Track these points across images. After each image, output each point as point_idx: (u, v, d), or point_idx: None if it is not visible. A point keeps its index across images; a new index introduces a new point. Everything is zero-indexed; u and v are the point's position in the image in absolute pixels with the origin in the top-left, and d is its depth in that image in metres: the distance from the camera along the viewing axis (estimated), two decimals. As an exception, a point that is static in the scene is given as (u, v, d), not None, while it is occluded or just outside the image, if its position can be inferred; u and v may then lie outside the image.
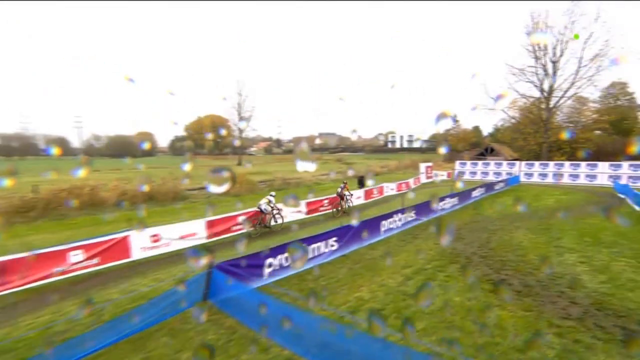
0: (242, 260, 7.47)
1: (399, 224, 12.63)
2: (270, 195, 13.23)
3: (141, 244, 9.56)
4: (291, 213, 15.13)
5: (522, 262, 9.06)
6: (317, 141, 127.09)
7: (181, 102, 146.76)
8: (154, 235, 9.87)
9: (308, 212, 16.10)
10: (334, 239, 9.90)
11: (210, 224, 11.78)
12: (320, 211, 16.74)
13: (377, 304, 6.86)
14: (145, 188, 19.06)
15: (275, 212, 13.17)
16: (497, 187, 22.87)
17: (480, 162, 37.73)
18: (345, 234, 10.21)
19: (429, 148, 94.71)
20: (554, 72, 41.31)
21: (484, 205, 17.45)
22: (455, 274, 8.34)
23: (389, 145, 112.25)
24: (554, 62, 41.27)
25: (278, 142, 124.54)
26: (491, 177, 34.07)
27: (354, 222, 10.36)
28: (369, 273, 8.71)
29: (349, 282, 8.12)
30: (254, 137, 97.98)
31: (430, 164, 33.84)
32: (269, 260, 7.87)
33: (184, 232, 10.84)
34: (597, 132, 44.80)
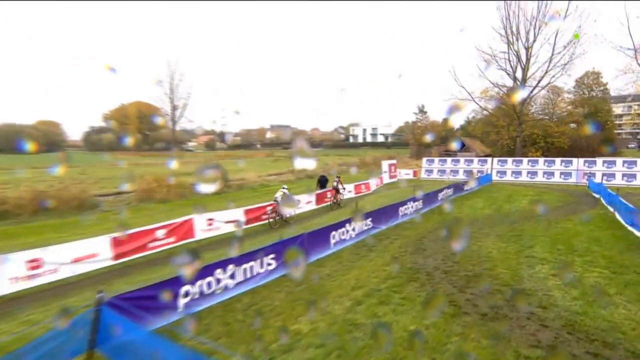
0: (146, 290, 6.76)
1: (353, 234, 12.40)
2: (284, 188, 16.49)
3: (11, 273, 8.42)
4: (225, 225, 14.49)
5: (489, 277, 9.11)
6: (269, 135, 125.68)
7: (101, 84, 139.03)
8: (33, 261, 8.77)
9: (247, 222, 15.64)
10: (271, 256, 9.41)
11: (118, 242, 10.81)
12: (263, 220, 16.39)
13: (316, 339, 6.46)
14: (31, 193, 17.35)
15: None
16: (466, 187, 23.55)
17: (449, 159, 38.96)
18: (284, 250, 9.74)
19: (396, 143, 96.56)
20: (527, 59, 43.73)
21: (452, 209, 17.79)
22: (413, 295, 8.17)
23: (351, 140, 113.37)
24: (527, 49, 43.68)
25: (222, 136, 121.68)
26: (461, 176, 35.36)
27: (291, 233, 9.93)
28: (312, 297, 8.32)
29: (287, 310, 7.68)
30: (193, 130, 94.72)
31: (393, 161, 34.34)
32: (185, 289, 7.21)
33: (80, 254, 9.82)
34: (572, 125, 48.24)
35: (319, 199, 20.61)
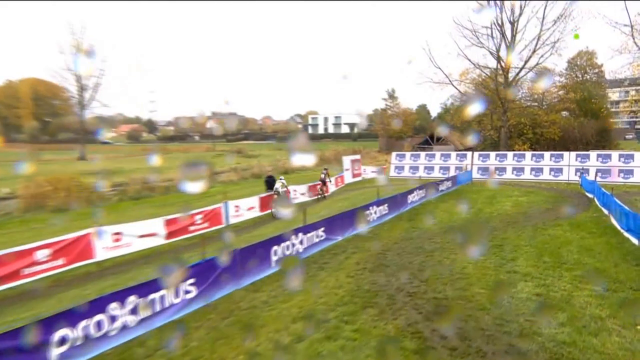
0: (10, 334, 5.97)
1: (300, 248, 11.97)
2: (281, 179, 20.49)
3: None
4: (139, 239, 13.68)
5: (462, 300, 8.93)
6: (210, 124, 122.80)
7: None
8: None
9: (168, 236, 14.90)
10: (191, 281, 8.80)
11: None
12: (190, 232, 15.66)
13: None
14: None
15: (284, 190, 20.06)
16: (442, 187, 23.72)
17: (423, 154, 39.40)
18: (208, 273, 9.16)
19: (364, 135, 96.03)
20: (513, 35, 44.99)
21: (423, 214, 17.74)
22: (368, 326, 7.83)
23: (310, 130, 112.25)
24: (512, 23, 44.95)
25: (150, 125, 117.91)
26: (437, 174, 35.74)
27: (225, 254, 9.37)
28: (241, 333, 7.80)
29: (205, 353, 7.12)
30: (111, 117, 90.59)
31: (357, 156, 34.19)
32: (61, 333, 6.45)
33: None
34: (564, 113, 50.13)
35: (263, 204, 20.03)
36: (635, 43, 38.66)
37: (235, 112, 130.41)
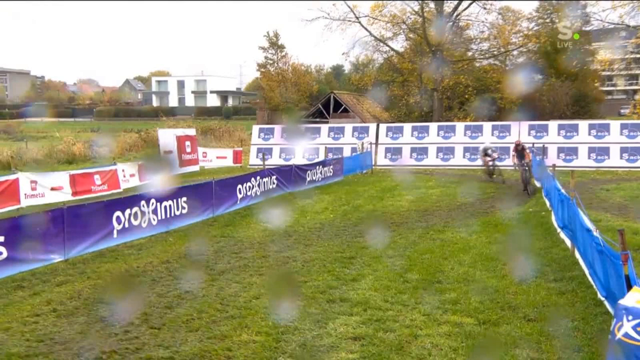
0: None
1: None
2: None
3: None
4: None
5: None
6: None
7: None
8: None
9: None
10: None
11: None
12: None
13: None
14: None
15: None
16: (313, 176, 20.43)
17: (301, 130, 32.56)
18: None
19: (239, 109, 77.95)
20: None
21: (255, 216, 15.00)
22: None
23: (154, 102, 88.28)
24: None
25: None
26: (323, 158, 27.11)
27: None
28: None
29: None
30: None
31: (189, 131, 25.26)
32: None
33: None
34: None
35: None
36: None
37: (29, 70, 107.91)
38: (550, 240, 11.67)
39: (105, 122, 64.73)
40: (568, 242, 10.69)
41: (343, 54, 62.87)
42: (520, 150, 18.58)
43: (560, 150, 26.26)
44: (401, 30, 40.07)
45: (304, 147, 29.78)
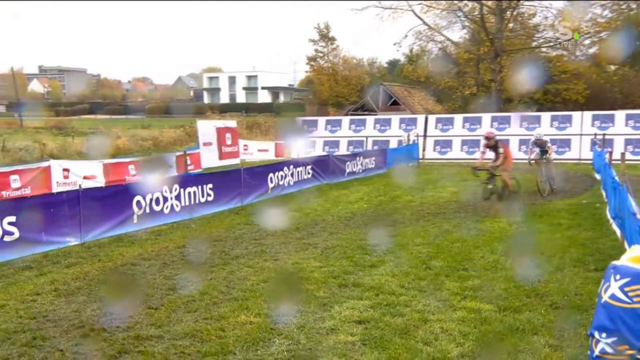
0: None
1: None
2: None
3: None
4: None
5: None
6: (35, 86, 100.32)
7: None
8: None
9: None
10: None
11: None
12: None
13: None
14: None
15: None
16: (353, 167, 19.80)
17: (346, 120, 32.33)
18: None
19: (289, 105, 75.48)
20: None
21: (288, 204, 14.59)
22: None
23: (206, 99, 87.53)
24: None
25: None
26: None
27: None
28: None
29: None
30: None
31: (230, 123, 25.90)
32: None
33: None
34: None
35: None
36: None
37: (84, 68, 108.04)
38: (600, 231, 10.89)
39: (156, 119, 64.40)
40: (618, 233, 9.89)
41: (395, 44, 59.90)
42: (493, 146, 14.46)
43: (627, 142, 24.26)
44: (457, 19, 38.11)
45: (347, 139, 29.25)
